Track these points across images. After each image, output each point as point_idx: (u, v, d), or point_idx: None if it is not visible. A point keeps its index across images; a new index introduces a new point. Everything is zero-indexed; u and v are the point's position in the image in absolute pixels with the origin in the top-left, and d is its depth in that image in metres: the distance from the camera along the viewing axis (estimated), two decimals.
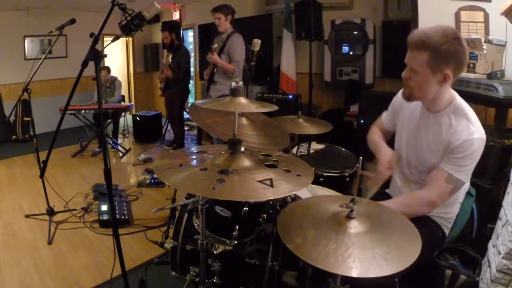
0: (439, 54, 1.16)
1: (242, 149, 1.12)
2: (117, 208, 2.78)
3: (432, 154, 1.33)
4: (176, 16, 6.18)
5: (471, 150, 1.21)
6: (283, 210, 1.06)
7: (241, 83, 1.16)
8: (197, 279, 1.46)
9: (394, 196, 1.55)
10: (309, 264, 1.21)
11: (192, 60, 6.45)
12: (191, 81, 6.03)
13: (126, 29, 1.62)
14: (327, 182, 1.86)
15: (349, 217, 0.93)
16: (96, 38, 1.46)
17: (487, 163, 1.97)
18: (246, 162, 1.07)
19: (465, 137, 1.22)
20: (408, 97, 1.34)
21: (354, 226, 0.91)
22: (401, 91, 1.54)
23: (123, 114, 5.25)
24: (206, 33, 3.59)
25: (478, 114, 1.32)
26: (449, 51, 1.15)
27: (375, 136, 1.63)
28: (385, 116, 1.67)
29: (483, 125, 1.27)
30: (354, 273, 0.78)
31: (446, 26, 1.20)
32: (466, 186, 1.50)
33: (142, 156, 4.41)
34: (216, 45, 3.35)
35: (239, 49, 3.25)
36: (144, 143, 5.18)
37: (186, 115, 5.74)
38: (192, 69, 6.30)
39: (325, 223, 0.95)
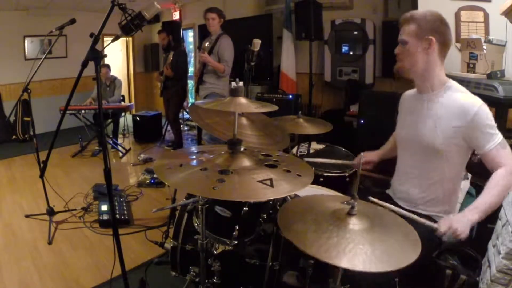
0: (424, 24, 1.31)
1: (242, 149, 1.12)
2: (117, 208, 2.78)
3: (435, 134, 1.34)
4: (176, 16, 6.18)
5: (487, 111, 1.26)
6: (284, 205, 1.06)
7: (241, 83, 1.16)
8: (197, 279, 1.46)
9: (394, 196, 1.55)
10: (309, 264, 1.22)
11: (192, 60, 6.47)
12: (191, 81, 6.04)
13: (126, 29, 1.62)
14: (327, 182, 1.86)
15: (349, 214, 0.93)
16: (96, 38, 1.46)
17: None
18: (246, 162, 1.07)
19: (478, 104, 1.26)
20: (399, 70, 1.42)
21: (355, 224, 0.91)
22: (401, 97, 1.59)
23: (123, 114, 5.25)
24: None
25: None
26: (433, 23, 1.30)
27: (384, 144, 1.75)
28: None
29: None
30: (355, 267, 0.78)
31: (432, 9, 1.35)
32: (466, 186, 1.50)
33: (142, 156, 4.41)
34: (208, 43, 3.45)
35: (228, 49, 3.40)
36: (144, 143, 5.18)
37: (185, 115, 5.75)
38: (191, 69, 6.32)
39: (326, 219, 0.95)
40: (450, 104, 1.31)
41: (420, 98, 1.43)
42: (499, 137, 1.26)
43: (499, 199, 1.23)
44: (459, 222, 1.14)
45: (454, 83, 1.37)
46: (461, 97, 1.31)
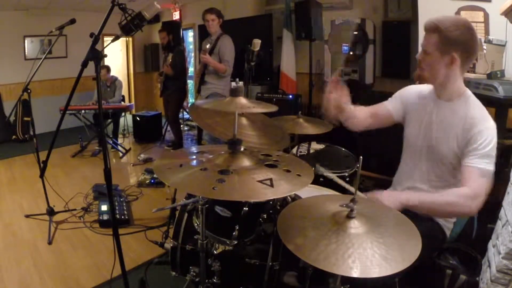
0: (447, 38, 1.23)
1: (242, 149, 1.12)
2: (117, 208, 2.78)
3: (444, 141, 1.33)
4: (176, 16, 6.17)
5: (492, 136, 1.24)
6: (283, 210, 1.06)
7: (241, 83, 1.16)
8: (197, 279, 1.46)
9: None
10: (310, 265, 1.22)
11: (192, 60, 6.47)
12: (191, 81, 6.05)
13: (126, 29, 1.61)
14: (327, 182, 1.86)
15: (349, 216, 0.93)
16: (96, 38, 1.46)
17: None
18: (246, 162, 1.07)
19: (486, 125, 1.25)
20: (419, 78, 1.38)
21: (354, 226, 0.91)
22: (408, 86, 1.57)
23: (123, 114, 5.26)
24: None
25: None
26: (457, 36, 1.23)
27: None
28: (389, 101, 1.61)
29: None
30: (354, 274, 0.78)
31: (459, 16, 1.27)
32: None
33: (142, 156, 4.41)
34: (209, 45, 3.45)
35: (229, 49, 3.40)
36: (144, 143, 5.18)
37: (185, 115, 5.75)
38: (191, 69, 6.33)
39: (325, 223, 0.94)
40: (464, 117, 1.29)
41: (437, 104, 1.39)
42: (486, 165, 1.23)
43: (441, 207, 1.23)
44: (388, 201, 1.20)
45: (470, 95, 1.34)
46: (474, 113, 1.29)
